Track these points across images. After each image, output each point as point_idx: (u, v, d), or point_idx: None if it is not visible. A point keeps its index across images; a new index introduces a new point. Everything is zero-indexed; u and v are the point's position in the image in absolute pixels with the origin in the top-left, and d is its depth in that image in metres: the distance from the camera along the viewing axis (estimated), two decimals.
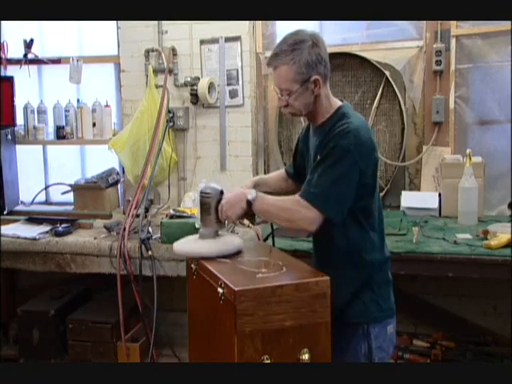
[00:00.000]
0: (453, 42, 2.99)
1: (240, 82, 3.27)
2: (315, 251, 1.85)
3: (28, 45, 3.41)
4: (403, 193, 3.02)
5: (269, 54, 3.19)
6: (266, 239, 2.64)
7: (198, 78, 3.28)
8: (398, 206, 2.98)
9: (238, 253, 1.72)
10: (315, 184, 1.62)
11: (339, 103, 1.75)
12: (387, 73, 3.02)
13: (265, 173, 3.43)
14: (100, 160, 3.60)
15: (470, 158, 2.71)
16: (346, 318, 1.70)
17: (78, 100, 3.50)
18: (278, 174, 2.08)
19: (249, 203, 1.67)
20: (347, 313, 1.71)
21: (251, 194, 1.68)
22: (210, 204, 1.71)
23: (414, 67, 3.06)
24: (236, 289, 1.41)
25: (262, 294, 1.43)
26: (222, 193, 1.72)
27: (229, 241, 1.75)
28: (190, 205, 3.14)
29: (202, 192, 1.73)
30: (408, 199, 2.97)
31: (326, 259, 1.76)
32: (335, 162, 1.60)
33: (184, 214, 2.75)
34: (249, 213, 1.70)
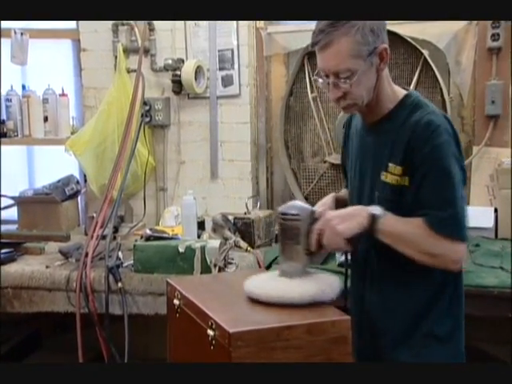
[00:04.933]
0: None
1: (236, 66, 3.33)
2: (386, 303, 1.74)
3: None
4: None
5: (272, 29, 3.33)
6: (268, 266, 2.69)
7: (182, 61, 3.34)
8: None
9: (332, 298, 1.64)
10: (441, 205, 1.60)
11: (403, 90, 1.73)
12: (426, 52, 3.06)
13: (267, 181, 3.48)
14: (54, 165, 3.66)
15: None
16: None
17: (24, 86, 3.54)
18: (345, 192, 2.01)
19: (372, 219, 1.61)
20: None
21: (374, 208, 1.63)
22: (299, 229, 1.65)
23: (462, 44, 3.11)
24: (231, 330, 1.44)
25: (264, 337, 1.46)
26: (313, 213, 1.68)
27: (324, 280, 1.68)
28: (172, 223, 3.19)
29: (284, 214, 1.67)
30: None
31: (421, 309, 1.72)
32: (447, 171, 1.60)
33: (164, 235, 2.80)
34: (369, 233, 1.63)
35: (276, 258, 2.73)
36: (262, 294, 1.61)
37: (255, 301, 1.63)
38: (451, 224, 1.60)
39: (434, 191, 1.61)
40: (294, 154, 3.41)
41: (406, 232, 1.61)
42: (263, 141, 3.46)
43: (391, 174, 1.67)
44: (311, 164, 3.38)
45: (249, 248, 2.74)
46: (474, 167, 3.14)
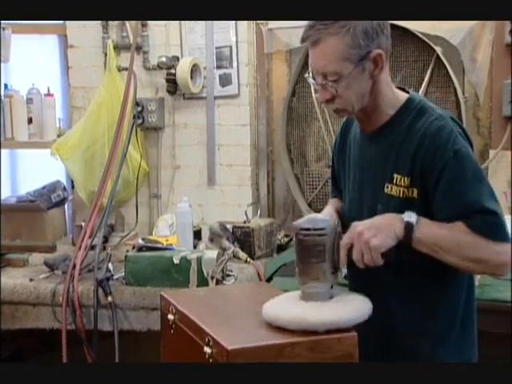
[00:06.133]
0: None
1: (234, 64, 3.35)
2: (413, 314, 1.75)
3: None
4: None
5: (273, 25, 3.34)
6: (269, 279, 2.70)
7: (177, 58, 3.36)
8: None
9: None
10: (483, 206, 1.58)
11: (404, 93, 1.73)
12: (438, 49, 3.07)
13: (268, 188, 3.49)
14: (39, 170, 3.67)
15: None
16: None
17: (6, 85, 3.55)
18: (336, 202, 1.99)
19: (408, 227, 1.58)
20: None
21: (408, 215, 1.60)
22: (325, 245, 1.59)
23: (478, 40, 3.12)
24: (229, 348, 1.44)
25: (264, 354, 1.46)
26: (337, 226, 1.63)
27: (356, 300, 1.63)
28: (166, 232, 3.19)
29: (306, 229, 1.60)
30: None
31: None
32: (478, 171, 1.63)
33: (157, 245, 2.81)
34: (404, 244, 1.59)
35: (277, 271, 2.74)
36: (293, 321, 1.53)
37: (255, 316, 1.63)
38: (497, 225, 1.59)
39: (470, 193, 1.60)
40: (297, 159, 3.42)
41: (446, 239, 1.59)
42: (264, 144, 3.47)
43: (397, 186, 1.67)
44: (315, 169, 3.38)
45: (248, 259, 2.75)
46: (490, 172, 3.15)
